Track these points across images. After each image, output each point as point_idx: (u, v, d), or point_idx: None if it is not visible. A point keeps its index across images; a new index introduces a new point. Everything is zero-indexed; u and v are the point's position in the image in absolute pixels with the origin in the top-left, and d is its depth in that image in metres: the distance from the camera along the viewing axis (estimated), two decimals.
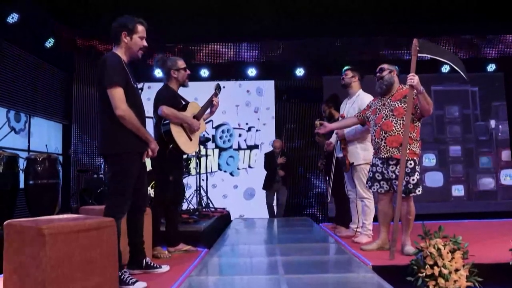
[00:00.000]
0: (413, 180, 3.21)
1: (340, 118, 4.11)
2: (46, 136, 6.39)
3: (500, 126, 7.81)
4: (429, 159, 7.66)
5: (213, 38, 7.60)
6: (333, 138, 4.28)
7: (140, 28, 2.64)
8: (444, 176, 7.68)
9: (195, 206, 5.76)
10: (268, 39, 7.69)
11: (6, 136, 5.13)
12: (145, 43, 2.67)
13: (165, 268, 2.87)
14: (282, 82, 7.94)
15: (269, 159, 6.67)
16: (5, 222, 2.21)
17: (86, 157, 7.20)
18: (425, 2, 6.25)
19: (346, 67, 4.21)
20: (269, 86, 7.95)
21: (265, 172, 6.70)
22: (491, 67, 7.81)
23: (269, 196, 6.59)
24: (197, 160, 5.98)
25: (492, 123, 7.81)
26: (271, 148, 6.85)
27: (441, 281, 2.57)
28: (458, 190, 7.66)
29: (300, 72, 7.78)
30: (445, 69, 7.55)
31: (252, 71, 7.78)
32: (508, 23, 7.07)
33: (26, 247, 2.07)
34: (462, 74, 3.20)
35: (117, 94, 2.43)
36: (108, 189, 3.01)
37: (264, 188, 6.62)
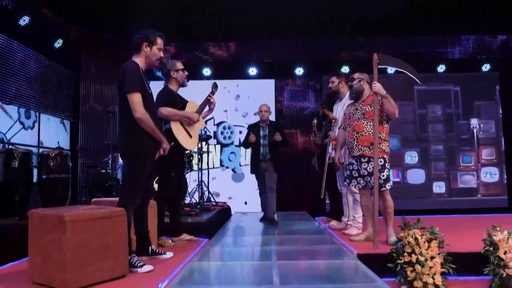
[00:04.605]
0: (383, 176, 3.53)
1: (333, 120, 4.41)
2: (54, 132, 6.67)
3: (481, 125, 8.02)
4: (411, 157, 7.82)
5: (213, 37, 7.81)
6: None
7: (160, 41, 2.94)
8: (426, 173, 7.86)
9: (197, 200, 6.06)
10: (268, 38, 7.90)
11: (18, 133, 5.42)
12: (162, 54, 2.98)
13: (169, 254, 3.16)
14: (281, 81, 8.16)
15: (253, 132, 5.08)
16: (29, 211, 2.50)
17: (93, 153, 7.47)
18: (423, 3, 6.37)
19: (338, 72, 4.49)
20: (269, 85, 8.15)
21: None
22: (485, 67, 8.01)
23: (260, 180, 5.14)
24: (199, 156, 6.26)
25: (474, 122, 8.03)
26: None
27: (417, 267, 2.86)
28: (439, 187, 7.85)
29: (299, 71, 8.03)
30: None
31: (252, 70, 8.02)
32: (503, 23, 7.20)
33: (48, 233, 2.36)
34: (416, 79, 3.50)
35: (136, 99, 2.72)
36: (122, 183, 3.28)
37: (252, 171, 5.20)
